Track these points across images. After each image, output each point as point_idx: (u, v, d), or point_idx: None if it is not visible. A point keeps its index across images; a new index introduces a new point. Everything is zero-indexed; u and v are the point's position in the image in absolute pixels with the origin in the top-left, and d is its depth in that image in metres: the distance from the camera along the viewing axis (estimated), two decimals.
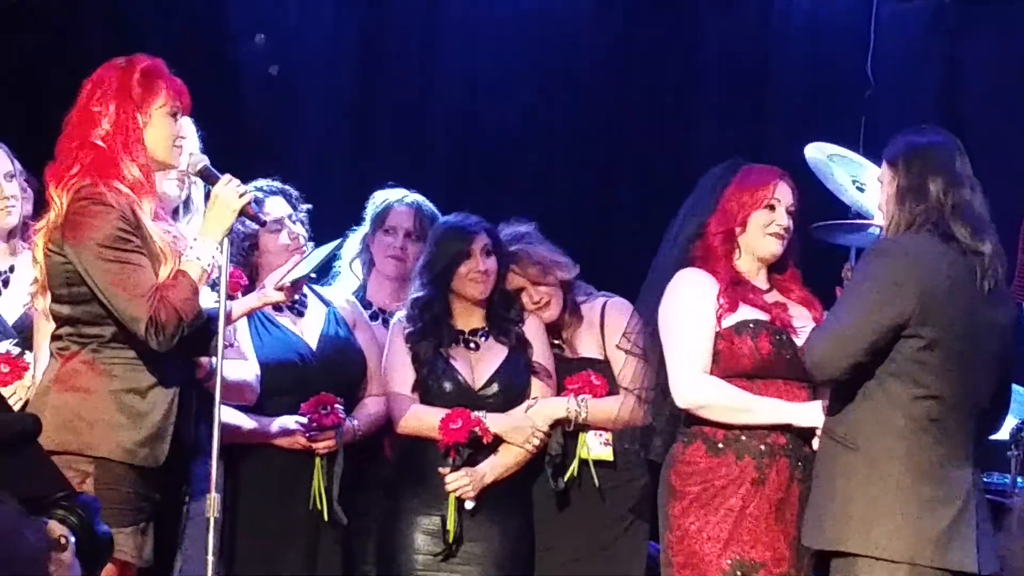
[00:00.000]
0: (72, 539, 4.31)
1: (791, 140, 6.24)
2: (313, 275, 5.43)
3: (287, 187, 5.78)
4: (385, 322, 5.98)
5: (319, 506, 5.49)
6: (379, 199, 6.13)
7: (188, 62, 5.22)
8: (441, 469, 5.51)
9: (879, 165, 5.55)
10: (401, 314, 5.81)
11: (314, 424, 5.48)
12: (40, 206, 5.01)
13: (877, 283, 4.70)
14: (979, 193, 4.85)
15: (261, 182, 5.72)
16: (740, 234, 5.16)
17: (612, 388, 5.66)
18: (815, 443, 4.95)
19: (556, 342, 5.83)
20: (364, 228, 6.12)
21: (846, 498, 4.65)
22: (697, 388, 5.02)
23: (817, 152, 6.07)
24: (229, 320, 4.97)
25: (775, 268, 5.25)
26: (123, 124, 4.74)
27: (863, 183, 5.95)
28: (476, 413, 5.55)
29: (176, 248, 4.75)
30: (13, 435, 4.34)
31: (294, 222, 5.72)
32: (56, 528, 4.31)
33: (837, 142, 6.11)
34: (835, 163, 6.04)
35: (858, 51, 7.34)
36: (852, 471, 4.65)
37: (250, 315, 5.43)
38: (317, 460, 5.51)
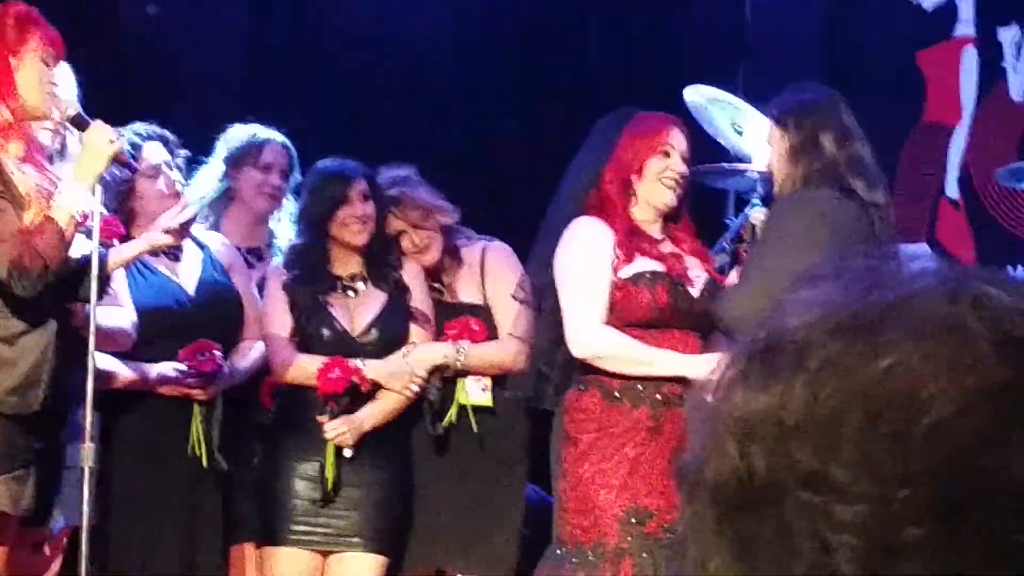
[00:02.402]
0: None
1: (671, 84, 6.24)
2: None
3: (165, 132, 5.70)
4: (246, 260, 5.92)
5: (198, 452, 5.47)
6: (244, 134, 5.99)
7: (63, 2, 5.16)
8: (319, 418, 5.49)
9: (759, 110, 5.61)
10: (278, 260, 5.79)
11: (193, 371, 5.45)
12: None
13: (787, 237, 4.77)
14: (867, 145, 4.93)
15: (139, 126, 5.62)
16: (636, 182, 5.17)
17: (491, 334, 5.68)
18: None
19: (436, 286, 5.82)
20: (217, 162, 5.98)
21: None
22: (595, 339, 5.05)
23: (696, 95, 6.09)
24: (107, 266, 4.94)
25: (668, 217, 5.27)
26: None
27: (741, 126, 5.99)
28: (354, 361, 5.53)
29: (45, 194, 4.69)
30: None
31: (171, 168, 5.66)
32: None
33: (716, 84, 6.14)
34: (714, 106, 6.07)
35: None
36: None
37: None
38: (195, 407, 5.47)
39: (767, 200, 5.36)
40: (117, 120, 5.04)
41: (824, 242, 4.72)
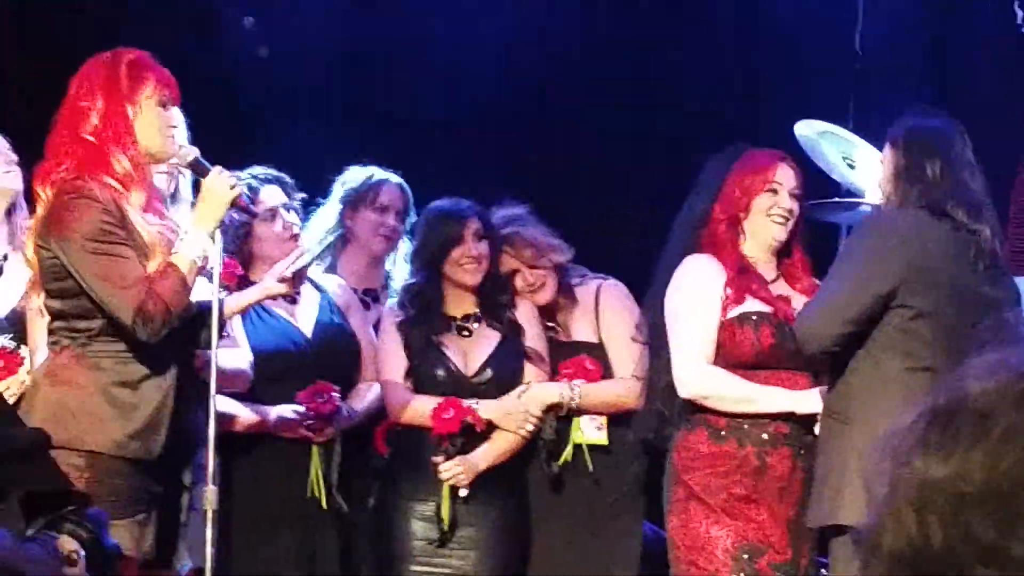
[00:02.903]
0: (82, 554, 4.33)
1: (781, 118, 6.22)
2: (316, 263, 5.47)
3: (282, 175, 5.76)
4: (362, 302, 5.97)
5: (317, 494, 5.51)
6: (360, 175, 6.03)
7: (177, 47, 5.20)
8: (434, 459, 5.52)
9: (870, 142, 5.58)
10: (393, 301, 5.82)
11: (312, 413, 5.49)
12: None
13: (866, 253, 4.77)
14: (979, 177, 4.90)
15: (256, 169, 5.71)
16: (744, 219, 5.17)
17: (606, 372, 5.68)
18: (817, 430, 4.99)
19: (550, 325, 5.82)
20: (334, 204, 6.03)
21: (840, 471, 4.68)
22: (700, 379, 5.06)
23: (807, 129, 6.06)
24: (223, 313, 4.97)
25: (782, 253, 5.26)
26: (112, 117, 4.71)
27: (854, 160, 5.96)
28: (468, 401, 5.55)
29: (166, 241, 4.75)
30: (22, 449, 4.34)
31: (288, 211, 5.71)
32: (67, 544, 4.33)
33: (826, 118, 6.11)
34: (826, 140, 6.03)
35: (847, 23, 7.31)
36: (847, 445, 4.68)
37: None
38: (314, 448, 5.51)
39: None
40: (229, 163, 5.06)
41: (902, 261, 4.69)
